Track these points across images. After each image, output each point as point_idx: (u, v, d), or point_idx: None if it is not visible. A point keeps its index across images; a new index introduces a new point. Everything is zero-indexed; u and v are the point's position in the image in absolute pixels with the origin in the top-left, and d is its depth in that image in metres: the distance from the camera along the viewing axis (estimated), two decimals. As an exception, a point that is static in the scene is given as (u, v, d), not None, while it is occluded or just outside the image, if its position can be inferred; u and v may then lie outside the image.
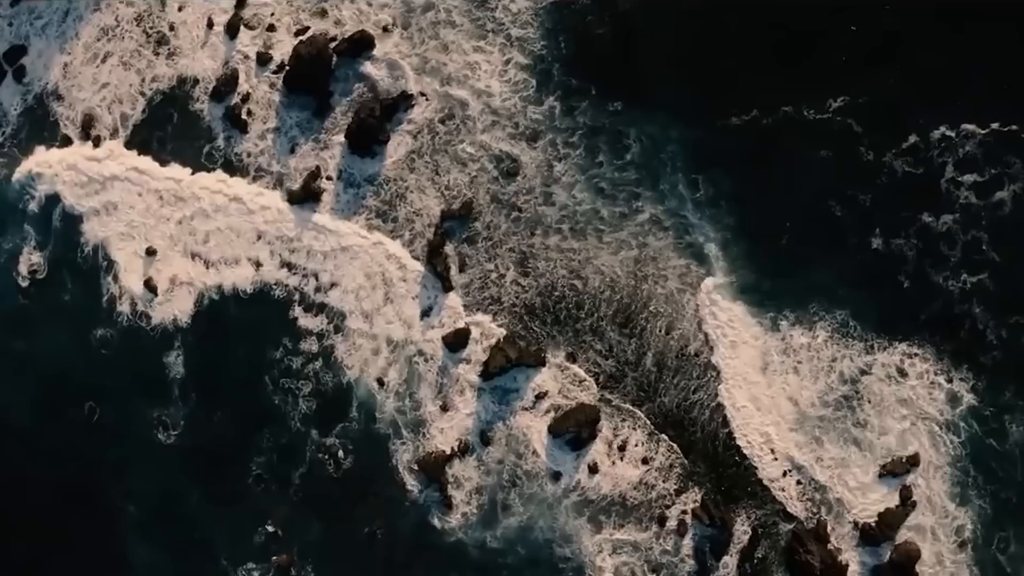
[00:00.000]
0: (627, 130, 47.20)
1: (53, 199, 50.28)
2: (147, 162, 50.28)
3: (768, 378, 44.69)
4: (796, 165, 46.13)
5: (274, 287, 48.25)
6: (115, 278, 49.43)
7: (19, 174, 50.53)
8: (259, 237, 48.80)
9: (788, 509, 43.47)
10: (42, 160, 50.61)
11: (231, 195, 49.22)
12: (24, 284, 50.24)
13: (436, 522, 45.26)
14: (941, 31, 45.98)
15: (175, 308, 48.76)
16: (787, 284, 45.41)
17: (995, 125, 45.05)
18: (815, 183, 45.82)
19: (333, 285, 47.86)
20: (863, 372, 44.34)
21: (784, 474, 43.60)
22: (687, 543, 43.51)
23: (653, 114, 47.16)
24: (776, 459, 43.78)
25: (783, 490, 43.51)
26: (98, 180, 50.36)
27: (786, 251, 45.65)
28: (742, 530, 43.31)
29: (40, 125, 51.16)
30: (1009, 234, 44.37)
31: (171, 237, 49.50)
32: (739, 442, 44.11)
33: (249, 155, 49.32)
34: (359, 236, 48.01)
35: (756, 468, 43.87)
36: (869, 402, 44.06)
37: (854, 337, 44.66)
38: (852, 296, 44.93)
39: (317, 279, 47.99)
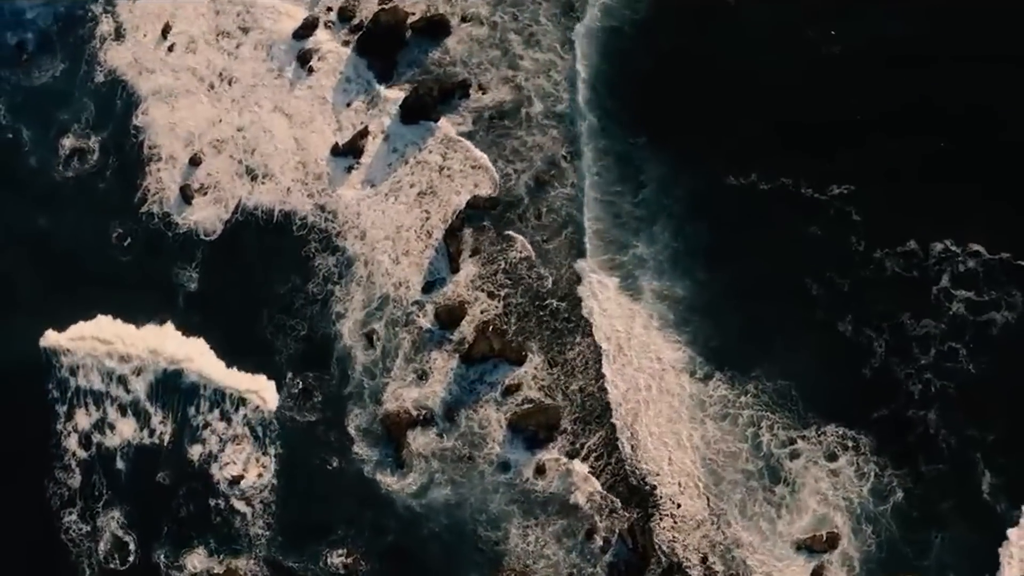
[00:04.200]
0: (647, 165, 48.83)
1: (118, 78, 53.44)
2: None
3: (690, 427, 45.45)
4: (782, 236, 46.56)
5: (297, 220, 50.78)
6: (154, 175, 52.12)
7: None
8: (302, 166, 51.55)
9: (704, 556, 44.26)
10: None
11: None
12: (66, 160, 52.75)
13: (379, 477, 46.98)
14: (974, 144, 46.14)
15: (203, 220, 51.25)
16: (739, 345, 45.85)
17: (1006, 255, 45.03)
18: (796, 257, 46.16)
19: (351, 232, 50.29)
20: (790, 442, 44.51)
21: (712, 521, 44.49)
22: (606, 560, 44.67)
23: (667, 156, 48.67)
24: (704, 505, 44.74)
25: (705, 536, 44.39)
26: (165, 67, 53.69)
27: (749, 314, 46.04)
28: (660, 562, 44.40)
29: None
30: (990, 353, 44.02)
31: (222, 141, 52.36)
32: (664, 481, 45.21)
33: (310, 100, 52.48)
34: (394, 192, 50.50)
35: (677, 510, 44.81)
36: (784, 481, 44.11)
37: (790, 409, 44.75)
38: (804, 371, 45.00)
39: (337, 222, 50.50)
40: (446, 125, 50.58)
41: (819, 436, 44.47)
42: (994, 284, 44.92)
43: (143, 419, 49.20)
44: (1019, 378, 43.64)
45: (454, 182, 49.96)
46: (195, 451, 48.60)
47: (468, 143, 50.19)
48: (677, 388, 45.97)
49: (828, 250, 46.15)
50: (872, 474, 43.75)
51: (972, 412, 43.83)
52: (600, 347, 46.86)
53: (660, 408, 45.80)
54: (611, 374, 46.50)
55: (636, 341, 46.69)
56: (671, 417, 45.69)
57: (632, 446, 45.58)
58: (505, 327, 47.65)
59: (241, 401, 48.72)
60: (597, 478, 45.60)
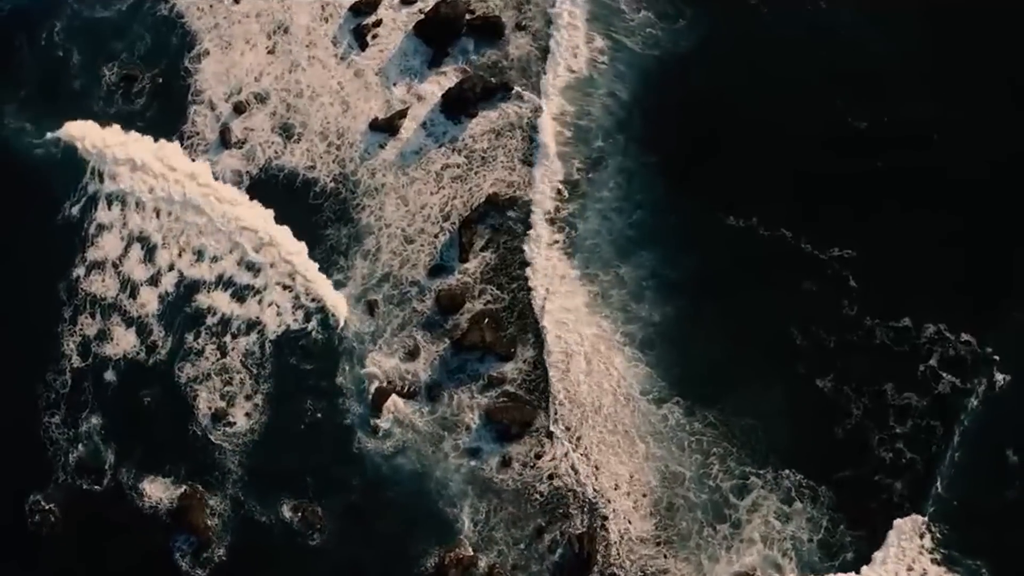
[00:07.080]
0: (651, 188, 49.53)
1: (179, 17, 55.90)
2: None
3: (638, 446, 45.87)
4: (772, 283, 46.51)
5: (317, 188, 52.48)
6: (192, 119, 54.08)
7: None
8: (340, 136, 53.33)
9: (643, 573, 44.67)
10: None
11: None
12: (109, 89, 54.81)
13: (357, 433, 48.25)
14: (987, 236, 46.04)
15: (229, 168, 53.10)
16: (705, 377, 45.84)
17: (994, 354, 44.41)
18: (784, 306, 46.00)
19: (369, 205, 51.88)
20: (743, 477, 44.56)
21: (656, 543, 44.92)
22: (552, 560, 45.44)
23: (673, 184, 49.29)
24: (651, 526, 45.25)
25: (646, 556, 44.76)
26: (228, 11, 56.00)
27: (724, 351, 45.96)
28: (601, 572, 44.93)
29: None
30: (970, 434, 43.74)
31: (267, 95, 54.37)
32: (619, 496, 45.82)
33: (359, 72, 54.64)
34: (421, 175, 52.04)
35: (625, 526, 45.40)
36: (730, 519, 44.15)
37: (753, 448, 44.65)
38: (772, 416, 44.82)
39: (357, 192, 52.14)
40: (547, 104, 51.56)
41: (776, 478, 44.50)
42: (980, 374, 44.52)
43: (144, 334, 50.94)
44: (992, 467, 43.52)
45: (493, 173, 51.32)
46: (185, 376, 50.09)
47: (549, 126, 51.14)
48: (627, 405, 46.62)
49: (818, 307, 45.85)
50: (824, 528, 43.59)
51: (942, 485, 43.38)
52: (551, 355, 47.83)
53: (603, 421, 46.54)
54: (559, 382, 47.48)
55: (591, 352, 47.53)
56: (613, 430, 46.41)
57: (583, 455, 46.36)
58: (508, 322, 48.76)
59: (246, 329, 50.33)
60: (557, 480, 46.36)
